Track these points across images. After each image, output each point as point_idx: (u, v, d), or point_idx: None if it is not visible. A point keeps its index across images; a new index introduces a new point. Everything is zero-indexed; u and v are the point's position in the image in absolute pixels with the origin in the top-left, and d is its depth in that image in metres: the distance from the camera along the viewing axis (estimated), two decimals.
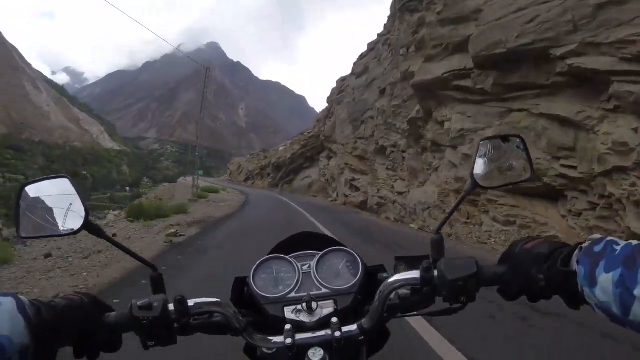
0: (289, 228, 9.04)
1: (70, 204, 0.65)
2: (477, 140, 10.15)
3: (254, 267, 0.76)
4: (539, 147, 8.56)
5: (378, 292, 0.65)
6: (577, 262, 0.51)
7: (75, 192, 0.66)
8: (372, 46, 26.18)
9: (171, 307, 0.61)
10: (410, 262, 0.71)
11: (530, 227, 8.42)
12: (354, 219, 13.57)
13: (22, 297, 0.53)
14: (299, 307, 0.68)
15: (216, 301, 0.64)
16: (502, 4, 8.96)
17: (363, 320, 0.66)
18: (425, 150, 13.31)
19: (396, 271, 0.71)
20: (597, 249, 0.50)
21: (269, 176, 43.43)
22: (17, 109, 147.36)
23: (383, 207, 15.66)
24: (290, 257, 0.79)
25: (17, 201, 0.66)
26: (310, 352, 0.62)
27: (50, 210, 0.66)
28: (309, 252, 0.82)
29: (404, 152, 14.66)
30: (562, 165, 8.16)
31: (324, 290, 0.72)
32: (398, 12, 16.90)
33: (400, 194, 14.41)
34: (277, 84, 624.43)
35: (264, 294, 0.71)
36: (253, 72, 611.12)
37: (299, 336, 0.63)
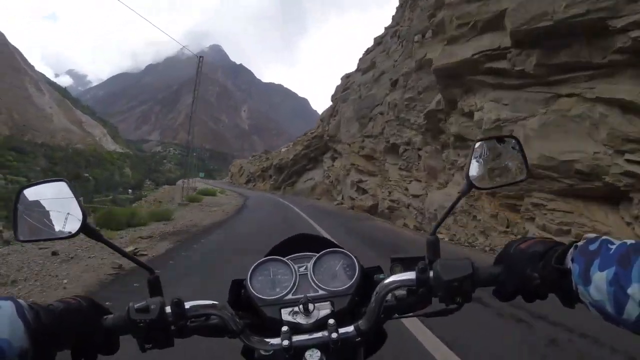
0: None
1: (68, 207, 0.65)
2: (517, 131, 8.52)
3: (251, 269, 0.76)
4: (596, 139, 6.95)
5: (374, 293, 0.65)
6: (572, 260, 0.51)
7: (73, 196, 0.66)
8: (379, 40, 24.82)
9: (168, 309, 0.61)
10: (406, 263, 0.71)
11: None
12: (368, 227, 11.71)
13: (20, 300, 0.54)
14: (296, 308, 0.68)
15: (213, 303, 0.64)
16: None
17: (360, 322, 0.66)
18: (446, 146, 11.63)
19: (392, 272, 0.71)
20: (592, 247, 0.50)
21: (270, 178, 41.96)
22: (19, 110, 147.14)
23: (395, 211, 13.97)
24: (287, 259, 0.79)
25: (14, 204, 0.66)
26: (308, 354, 0.62)
27: (48, 214, 0.67)
28: (305, 254, 0.81)
29: (419, 149, 12.97)
30: (628, 161, 6.54)
31: (320, 292, 0.72)
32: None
33: (416, 196, 12.72)
34: (280, 86, 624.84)
35: (261, 296, 0.71)
36: (255, 75, 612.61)
37: (296, 338, 0.64)
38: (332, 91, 31.69)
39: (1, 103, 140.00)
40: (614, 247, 0.48)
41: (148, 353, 0.61)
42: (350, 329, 0.66)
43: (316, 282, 0.74)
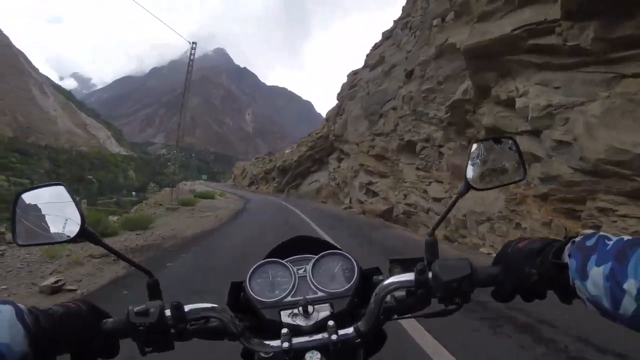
0: None
1: (67, 211, 0.65)
2: (576, 118, 6.95)
3: (250, 271, 0.76)
4: None
5: (373, 294, 0.65)
6: (569, 256, 0.51)
7: (71, 200, 0.66)
8: (387, 34, 23.46)
9: (168, 312, 0.60)
10: (404, 265, 0.71)
11: None
12: (387, 238, 9.83)
13: (20, 305, 0.53)
14: (296, 311, 0.68)
15: (212, 306, 0.64)
16: None
17: (359, 323, 0.66)
18: (475, 141, 10.11)
19: (391, 274, 0.71)
20: (589, 243, 0.50)
21: (274, 180, 40.51)
22: (23, 112, 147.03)
23: (412, 216, 12.44)
24: (286, 261, 0.78)
25: (13, 208, 0.66)
26: (307, 356, 0.62)
27: (46, 218, 0.67)
28: (304, 256, 0.81)
29: (440, 147, 11.45)
30: None
31: (320, 294, 0.72)
32: None
33: (437, 200, 11.19)
34: (284, 90, 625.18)
35: (260, 299, 0.71)
36: (260, 78, 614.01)
37: (295, 340, 0.64)
38: (336, 95, 30.31)
39: (5, 105, 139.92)
40: (610, 242, 0.48)
41: (148, 356, 0.62)
42: (350, 330, 0.66)
43: (315, 284, 0.74)
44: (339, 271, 0.77)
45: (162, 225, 10.58)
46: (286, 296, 0.72)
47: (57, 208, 0.66)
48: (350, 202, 20.35)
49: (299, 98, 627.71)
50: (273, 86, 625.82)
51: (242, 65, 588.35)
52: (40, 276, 4.90)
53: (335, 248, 0.82)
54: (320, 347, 0.63)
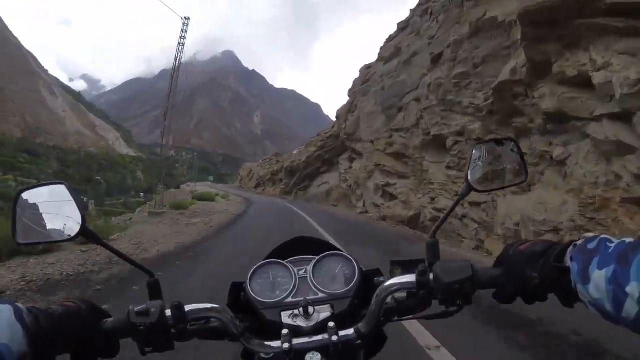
0: None
1: (67, 210, 0.65)
2: None
3: (251, 272, 0.76)
4: None
5: (374, 296, 0.65)
6: (571, 259, 0.51)
7: (72, 199, 0.65)
8: (403, 25, 21.68)
9: (168, 312, 0.60)
10: (406, 266, 0.70)
11: None
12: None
13: (19, 304, 0.53)
14: (296, 311, 0.68)
15: (213, 307, 0.64)
16: None
17: (360, 325, 0.65)
18: (524, 132, 8.24)
19: (392, 275, 0.70)
20: (591, 246, 0.50)
21: (281, 182, 38.74)
22: (32, 113, 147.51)
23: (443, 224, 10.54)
24: (287, 262, 0.78)
25: (13, 207, 0.65)
26: (308, 357, 0.62)
27: (47, 217, 0.66)
28: (305, 256, 0.80)
29: (478, 140, 9.58)
30: None
31: (320, 295, 0.72)
32: None
33: (476, 204, 9.30)
34: (292, 92, 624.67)
35: (260, 299, 0.71)
36: (268, 80, 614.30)
37: (296, 341, 0.63)
38: (344, 98, 28.54)
39: (14, 106, 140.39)
40: (612, 245, 0.48)
41: (148, 356, 0.61)
42: (351, 331, 0.65)
43: (316, 285, 0.73)
44: (340, 272, 0.76)
45: (130, 236, 8.58)
46: (287, 297, 0.71)
47: (57, 207, 0.65)
48: (364, 205, 18.48)
49: (307, 100, 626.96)
50: (281, 88, 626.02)
51: (250, 68, 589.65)
52: None
53: (336, 249, 0.81)
54: (321, 348, 0.62)
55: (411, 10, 21.40)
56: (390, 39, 23.26)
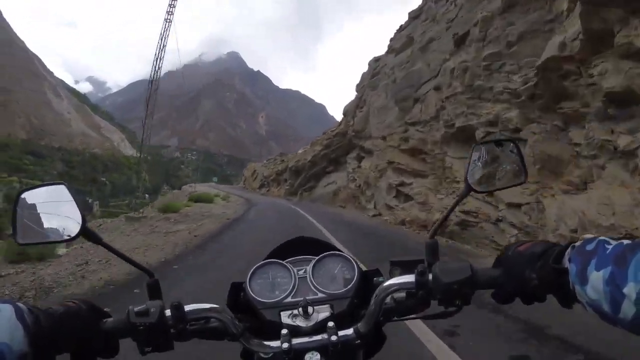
0: None
1: (68, 211, 0.65)
2: None
3: (250, 272, 0.75)
4: None
5: (374, 296, 0.65)
6: (569, 260, 0.51)
7: (72, 199, 0.65)
8: (415, 14, 20.25)
9: (168, 312, 0.61)
10: (405, 266, 0.70)
11: None
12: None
13: (20, 304, 0.53)
14: (295, 311, 0.68)
15: (213, 307, 0.64)
16: None
17: (359, 324, 0.66)
18: (574, 120, 6.83)
19: (391, 275, 0.70)
20: (589, 247, 0.50)
21: (286, 182, 37.39)
22: (37, 115, 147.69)
23: (471, 229, 9.12)
24: (286, 262, 0.78)
25: (14, 207, 0.66)
26: (307, 357, 0.62)
27: (47, 217, 0.66)
28: (305, 257, 0.80)
29: (517, 130, 8.14)
30: None
31: (320, 295, 0.72)
32: None
33: (515, 206, 7.86)
34: (297, 93, 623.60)
35: (260, 299, 0.71)
36: (273, 81, 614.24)
37: (295, 341, 0.63)
38: (349, 99, 27.09)
39: (19, 108, 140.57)
40: (610, 247, 0.48)
41: (148, 356, 0.61)
42: (350, 331, 0.65)
43: (315, 285, 0.73)
44: (339, 272, 0.75)
45: (83, 251, 6.86)
46: (286, 297, 0.71)
47: (57, 207, 0.65)
48: (375, 206, 17.09)
49: (312, 101, 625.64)
50: (286, 89, 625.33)
51: (255, 69, 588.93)
52: None
53: (336, 249, 0.80)
54: (320, 348, 0.62)
55: None
56: (401, 29, 21.88)
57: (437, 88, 11.90)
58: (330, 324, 0.65)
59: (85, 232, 0.63)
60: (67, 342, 0.56)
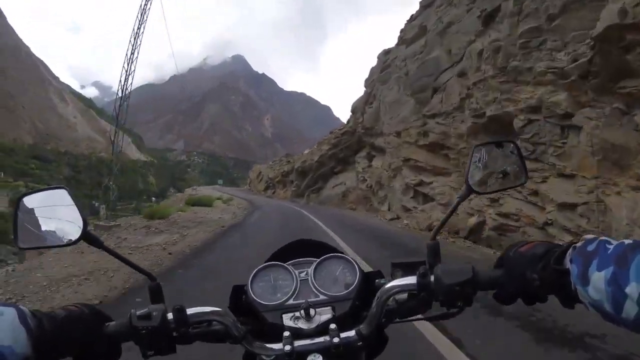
0: None
1: (69, 215, 0.65)
2: None
3: (252, 274, 0.75)
4: None
5: (375, 297, 0.65)
6: (571, 261, 0.51)
7: (73, 203, 0.65)
8: (428, 2, 19.01)
9: (170, 316, 0.61)
10: (406, 268, 0.70)
11: None
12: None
13: (23, 307, 0.54)
14: (297, 314, 0.68)
15: (215, 310, 0.64)
16: None
17: (361, 326, 0.66)
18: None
19: (393, 277, 0.70)
20: (590, 247, 0.50)
21: (292, 184, 36.16)
22: (43, 120, 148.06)
23: (511, 234, 7.83)
24: (288, 265, 0.77)
25: (15, 212, 0.65)
26: (309, 359, 0.62)
27: (48, 221, 0.66)
28: (306, 259, 0.80)
29: (567, 116, 6.86)
30: None
31: (321, 297, 0.72)
32: None
33: (566, 207, 6.57)
34: (302, 95, 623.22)
35: (262, 302, 0.71)
36: (278, 84, 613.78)
37: (297, 343, 0.63)
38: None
39: (25, 113, 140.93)
40: (611, 247, 0.48)
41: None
42: (352, 333, 0.65)
43: (317, 287, 0.73)
44: (341, 274, 0.75)
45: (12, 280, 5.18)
46: (288, 299, 0.71)
47: (59, 211, 0.65)
48: (389, 208, 15.81)
49: (317, 103, 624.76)
50: (291, 91, 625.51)
51: (260, 72, 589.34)
52: None
53: (337, 251, 0.80)
54: (322, 350, 0.63)
55: None
56: (412, 18, 20.62)
57: (461, 74, 10.62)
58: (332, 326, 0.64)
59: (87, 237, 0.63)
60: (70, 345, 0.56)
